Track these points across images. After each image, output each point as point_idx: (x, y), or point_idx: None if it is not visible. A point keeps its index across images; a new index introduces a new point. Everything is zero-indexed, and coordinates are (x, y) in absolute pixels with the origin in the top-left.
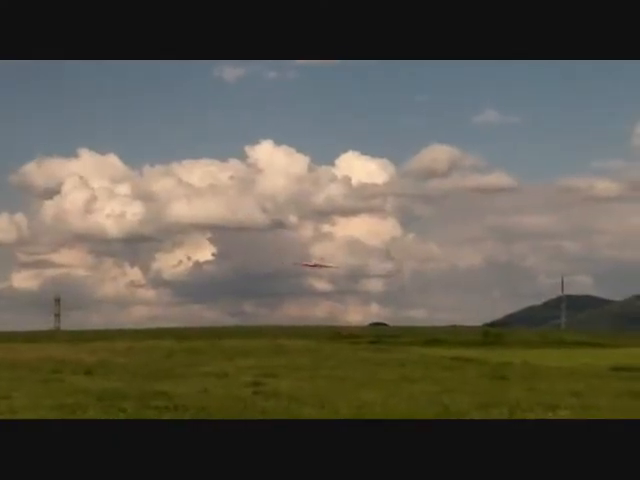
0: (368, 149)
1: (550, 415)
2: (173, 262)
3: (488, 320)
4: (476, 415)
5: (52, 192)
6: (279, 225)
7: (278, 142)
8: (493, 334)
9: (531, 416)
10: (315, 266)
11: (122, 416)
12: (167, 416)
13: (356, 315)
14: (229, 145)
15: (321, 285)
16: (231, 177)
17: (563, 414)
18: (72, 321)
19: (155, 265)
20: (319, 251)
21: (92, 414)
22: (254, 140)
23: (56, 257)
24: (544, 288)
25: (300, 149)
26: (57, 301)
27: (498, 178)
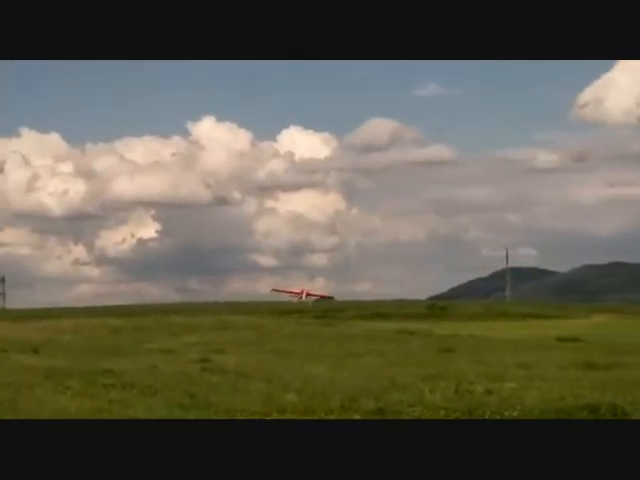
0: (310, 123)
1: (497, 387)
2: (117, 240)
3: (433, 294)
4: (422, 387)
5: None
6: (222, 201)
7: (220, 118)
8: (438, 307)
9: (478, 388)
10: (304, 296)
11: (68, 394)
12: (113, 394)
13: None
14: (171, 122)
15: (265, 261)
16: (173, 154)
17: (510, 386)
18: (17, 300)
19: (99, 243)
20: (262, 226)
21: (39, 392)
22: (196, 117)
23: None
24: (488, 261)
25: (242, 125)
26: (2, 280)
27: (438, 151)
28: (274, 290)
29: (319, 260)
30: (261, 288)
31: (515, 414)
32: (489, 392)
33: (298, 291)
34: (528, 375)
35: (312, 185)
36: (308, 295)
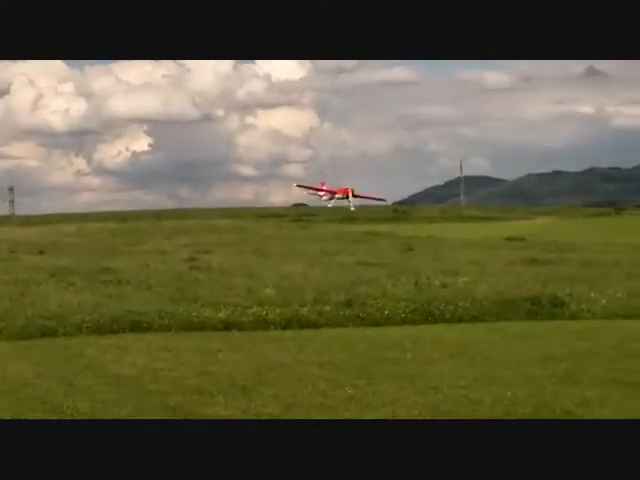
0: None
1: (451, 281)
2: (113, 153)
3: (396, 199)
4: (386, 282)
5: (1, 92)
6: (208, 118)
7: None
8: (401, 211)
9: (435, 282)
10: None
11: (72, 289)
12: (112, 289)
13: (279, 197)
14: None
15: (247, 171)
16: (164, 75)
17: (463, 280)
18: (25, 207)
19: (98, 156)
20: (244, 140)
21: (45, 288)
22: None
23: (8, 150)
24: (445, 170)
25: None
26: (11, 189)
27: (401, 72)
28: (298, 186)
29: (295, 170)
30: (243, 195)
31: (467, 305)
32: (444, 286)
33: (337, 190)
34: (479, 270)
35: (288, 103)
36: (354, 196)
